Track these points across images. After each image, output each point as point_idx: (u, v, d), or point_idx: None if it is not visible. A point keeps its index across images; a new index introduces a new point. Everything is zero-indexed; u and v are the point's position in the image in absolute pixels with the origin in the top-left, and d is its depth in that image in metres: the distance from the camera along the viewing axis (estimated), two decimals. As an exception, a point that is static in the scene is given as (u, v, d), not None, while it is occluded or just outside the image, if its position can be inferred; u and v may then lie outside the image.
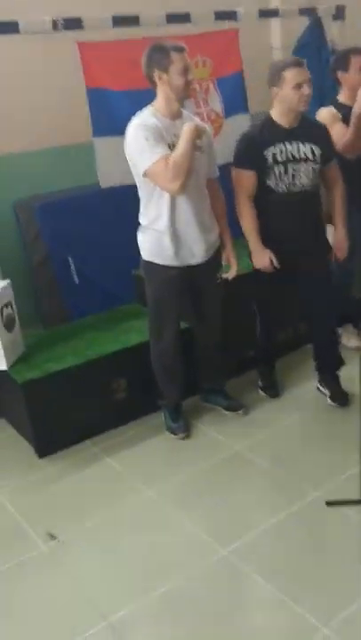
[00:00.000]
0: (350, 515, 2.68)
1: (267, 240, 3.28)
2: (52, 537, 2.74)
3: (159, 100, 3.00)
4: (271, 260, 3.26)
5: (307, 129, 3.22)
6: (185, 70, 2.92)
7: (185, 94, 3.02)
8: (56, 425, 3.35)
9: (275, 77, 3.10)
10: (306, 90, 3.06)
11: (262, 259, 3.28)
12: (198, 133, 2.92)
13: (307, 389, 3.72)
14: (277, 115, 3.19)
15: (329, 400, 3.55)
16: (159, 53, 2.91)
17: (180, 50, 2.91)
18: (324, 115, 3.62)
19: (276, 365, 3.81)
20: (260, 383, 3.76)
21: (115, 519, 2.83)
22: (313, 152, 3.19)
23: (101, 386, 3.47)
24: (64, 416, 3.35)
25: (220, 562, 2.51)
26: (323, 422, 3.41)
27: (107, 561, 2.59)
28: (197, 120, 3.22)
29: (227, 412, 3.55)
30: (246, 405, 3.58)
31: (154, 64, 2.92)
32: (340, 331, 4.22)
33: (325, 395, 3.58)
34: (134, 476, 3.10)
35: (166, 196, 2.99)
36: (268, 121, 3.21)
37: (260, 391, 3.74)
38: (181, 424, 3.43)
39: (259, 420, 3.49)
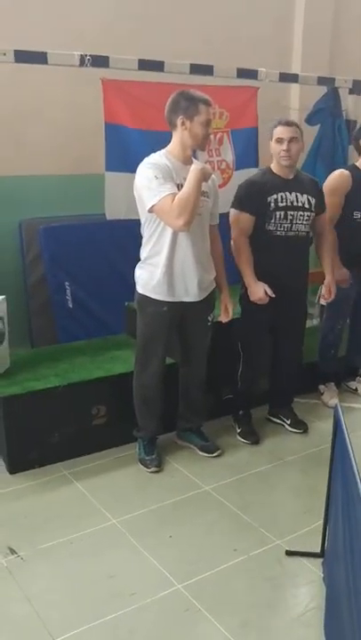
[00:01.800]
0: (309, 566, 2.69)
1: (260, 276, 3.46)
2: (13, 551, 2.73)
3: (174, 144, 3.12)
4: (266, 292, 3.43)
5: (303, 182, 3.53)
6: (207, 123, 3.07)
7: (201, 144, 3.16)
8: (31, 443, 3.36)
9: (270, 134, 3.43)
10: (285, 146, 3.34)
11: (258, 291, 3.44)
12: (205, 175, 3.04)
13: (282, 439, 3.75)
14: (275, 167, 3.48)
15: (289, 427, 3.81)
16: (188, 101, 3.04)
17: (207, 103, 3.06)
18: (336, 175, 3.89)
19: (252, 414, 3.85)
20: (238, 429, 3.79)
21: (75, 543, 2.82)
22: (309, 202, 3.47)
23: (81, 410, 3.49)
24: (40, 435, 3.37)
25: (173, 596, 2.51)
26: (295, 473, 3.44)
27: (62, 582, 2.58)
28: (207, 166, 3.34)
29: (201, 453, 3.57)
30: (221, 448, 3.60)
31: (180, 110, 3.04)
32: (322, 388, 4.29)
33: (285, 423, 3.83)
34: (100, 503, 3.11)
35: (169, 233, 3.08)
36: (269, 171, 3.50)
37: (239, 437, 3.75)
38: (154, 458, 3.44)
39: (232, 463, 3.50)
